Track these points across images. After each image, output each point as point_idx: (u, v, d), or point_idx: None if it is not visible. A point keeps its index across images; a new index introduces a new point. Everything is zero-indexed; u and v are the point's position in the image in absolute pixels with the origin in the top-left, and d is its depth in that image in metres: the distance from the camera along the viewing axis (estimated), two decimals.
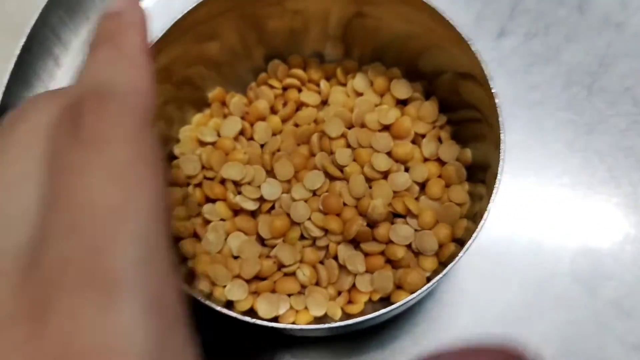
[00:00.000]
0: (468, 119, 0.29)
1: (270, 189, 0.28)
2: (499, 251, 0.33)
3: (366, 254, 0.28)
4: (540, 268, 0.32)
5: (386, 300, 0.28)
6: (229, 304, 0.27)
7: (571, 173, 0.34)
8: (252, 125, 0.30)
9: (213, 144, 0.30)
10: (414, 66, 0.31)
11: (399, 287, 0.27)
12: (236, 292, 0.27)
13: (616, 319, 0.32)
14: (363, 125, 0.29)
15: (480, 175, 0.28)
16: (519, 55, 0.36)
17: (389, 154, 0.29)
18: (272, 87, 0.31)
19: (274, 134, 0.30)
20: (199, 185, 0.29)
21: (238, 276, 0.27)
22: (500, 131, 0.25)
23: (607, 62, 0.36)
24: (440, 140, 0.30)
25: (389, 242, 0.28)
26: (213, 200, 0.29)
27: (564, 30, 0.37)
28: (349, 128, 0.30)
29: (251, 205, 0.28)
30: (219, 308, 0.24)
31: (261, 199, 0.28)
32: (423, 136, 0.30)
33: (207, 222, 0.29)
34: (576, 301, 0.32)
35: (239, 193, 0.29)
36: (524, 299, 0.32)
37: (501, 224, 0.33)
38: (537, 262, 0.33)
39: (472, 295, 0.32)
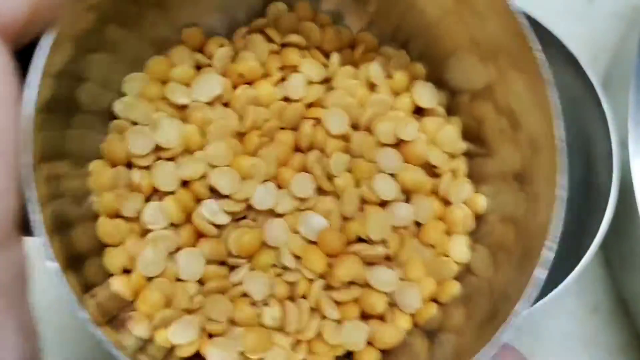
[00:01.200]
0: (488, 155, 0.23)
1: (265, 195, 0.21)
2: None
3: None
4: None
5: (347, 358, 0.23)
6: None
7: None
8: (234, 87, 0.22)
9: (183, 107, 0.21)
10: (440, 68, 0.24)
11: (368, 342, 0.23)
12: (182, 333, 0.20)
13: None
14: (369, 131, 0.23)
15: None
16: None
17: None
18: (269, 39, 0.23)
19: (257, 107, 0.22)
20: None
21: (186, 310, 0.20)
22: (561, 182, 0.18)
23: None
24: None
25: (365, 286, 0.22)
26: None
27: None
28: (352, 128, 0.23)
29: (223, 219, 0.20)
30: None
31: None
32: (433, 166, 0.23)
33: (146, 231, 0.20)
34: None
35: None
36: None
37: None
38: None
39: None
